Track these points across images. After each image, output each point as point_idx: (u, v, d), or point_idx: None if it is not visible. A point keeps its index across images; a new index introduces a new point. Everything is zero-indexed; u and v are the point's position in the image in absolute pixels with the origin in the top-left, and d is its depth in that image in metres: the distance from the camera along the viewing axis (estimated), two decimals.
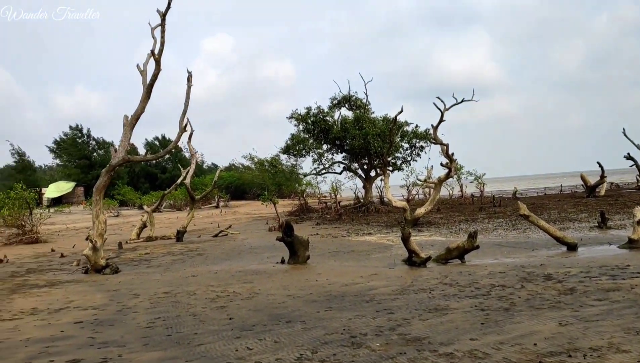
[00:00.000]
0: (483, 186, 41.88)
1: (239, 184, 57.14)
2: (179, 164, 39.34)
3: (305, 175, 35.32)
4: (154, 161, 64.97)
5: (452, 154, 23.21)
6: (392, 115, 30.50)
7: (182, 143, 24.32)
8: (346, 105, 35.25)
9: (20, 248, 21.00)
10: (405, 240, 12.19)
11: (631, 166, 39.40)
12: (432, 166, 31.54)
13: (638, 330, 5.24)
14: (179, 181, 24.82)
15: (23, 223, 23.12)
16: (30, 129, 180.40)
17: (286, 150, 34.77)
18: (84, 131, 70.10)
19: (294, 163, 35.21)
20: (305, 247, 12.97)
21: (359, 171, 35.47)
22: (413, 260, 12.14)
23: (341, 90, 35.10)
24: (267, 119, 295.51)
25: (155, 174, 68.60)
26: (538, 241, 15.46)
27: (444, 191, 37.73)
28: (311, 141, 34.49)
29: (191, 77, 15.55)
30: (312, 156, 34.91)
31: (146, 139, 74.12)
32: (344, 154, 35.44)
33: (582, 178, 36.06)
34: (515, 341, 5.14)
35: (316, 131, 34.23)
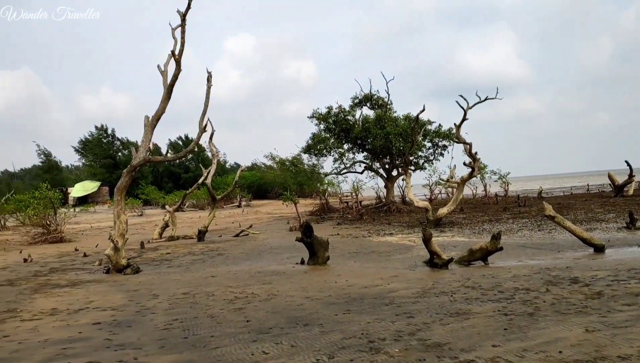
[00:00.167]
0: (507, 186, 41.28)
1: (261, 184, 57.31)
2: (200, 165, 39.61)
3: (326, 175, 35.24)
4: (177, 161, 65.61)
5: (476, 153, 22.95)
6: (414, 114, 30.21)
7: (205, 142, 24.40)
8: (367, 104, 35.04)
9: (44, 247, 21.34)
10: (427, 241, 11.99)
11: None
12: (455, 166, 31.28)
13: None
14: (200, 181, 24.96)
15: (48, 223, 23.50)
16: (56, 130, 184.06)
17: (307, 149, 34.73)
18: (109, 132, 71.15)
19: (315, 162, 35.19)
20: (324, 248, 12.87)
21: (381, 171, 35.24)
22: (434, 262, 11.94)
23: (362, 89, 34.94)
24: (289, 119, 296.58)
25: (178, 174, 69.26)
26: (564, 242, 15.10)
27: (467, 191, 37.28)
28: (332, 140, 34.38)
29: (211, 77, 15.59)
30: (333, 156, 34.82)
31: (169, 140, 75.16)
32: (365, 153, 35.25)
33: (610, 177, 35.23)
34: (539, 348, 4.95)
35: (337, 130, 34.11)
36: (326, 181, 35.51)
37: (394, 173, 34.80)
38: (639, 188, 39.80)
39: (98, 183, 64.09)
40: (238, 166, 63.57)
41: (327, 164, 71.63)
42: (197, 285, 10.32)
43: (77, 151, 71.56)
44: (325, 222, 28.28)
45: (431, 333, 5.74)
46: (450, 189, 38.62)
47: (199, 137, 15.81)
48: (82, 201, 59.66)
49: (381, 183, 35.65)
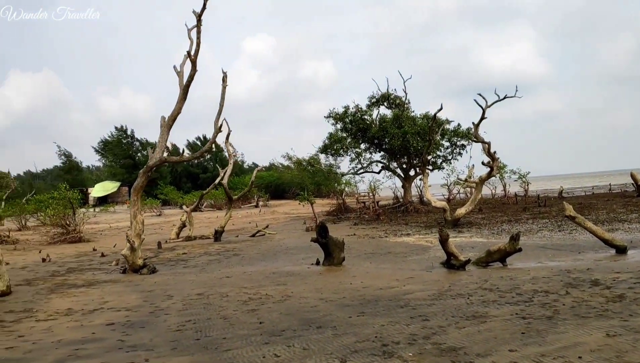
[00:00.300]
0: (527, 185, 40.75)
1: (278, 184, 57.42)
2: (218, 165, 39.79)
3: (343, 174, 35.11)
4: (194, 161, 66.10)
5: (495, 152, 22.64)
6: (432, 113, 29.94)
7: (222, 142, 24.47)
8: (385, 103, 34.81)
9: (63, 247, 21.58)
10: (444, 242, 11.82)
11: None
12: (474, 165, 30.75)
13: None
14: (217, 181, 25.01)
15: (67, 223, 23.76)
16: (77, 131, 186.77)
17: (324, 149, 34.62)
18: (129, 132, 71.94)
19: (332, 162, 35.07)
20: (340, 249, 12.77)
21: (398, 171, 34.98)
22: (452, 263, 11.77)
23: (380, 88, 34.73)
24: (307, 119, 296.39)
25: (196, 174, 69.77)
26: (585, 243, 14.80)
27: (486, 191, 36.90)
28: (349, 140, 34.22)
29: (226, 77, 15.61)
30: (350, 156, 34.67)
31: (188, 140, 75.70)
32: (382, 153, 35.03)
33: (633, 176, 34.52)
34: (558, 353, 4.80)
35: (354, 130, 33.94)
36: (343, 181, 35.39)
37: (412, 172, 34.51)
38: None
39: (118, 183, 64.83)
40: (256, 166, 63.67)
41: (344, 164, 71.48)
42: (211, 285, 10.30)
43: (97, 151, 72.57)
44: (342, 222, 28.16)
45: (446, 336, 5.61)
46: (468, 189, 38.26)
47: (215, 137, 15.85)
48: (102, 201, 60.41)
49: (398, 182, 35.44)
